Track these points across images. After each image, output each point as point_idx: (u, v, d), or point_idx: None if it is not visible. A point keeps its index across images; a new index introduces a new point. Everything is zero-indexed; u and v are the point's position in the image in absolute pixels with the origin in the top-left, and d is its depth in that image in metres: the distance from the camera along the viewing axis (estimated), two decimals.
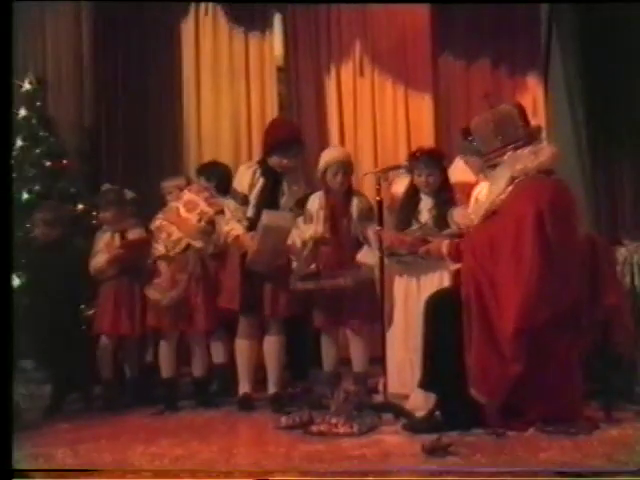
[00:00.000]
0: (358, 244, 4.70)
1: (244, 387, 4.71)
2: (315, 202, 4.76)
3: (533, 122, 6.67)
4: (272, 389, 4.71)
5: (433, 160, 4.67)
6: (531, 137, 4.00)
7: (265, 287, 4.63)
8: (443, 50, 6.94)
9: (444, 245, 4.01)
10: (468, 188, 4.75)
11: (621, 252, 4.56)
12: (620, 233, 5.27)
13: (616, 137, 6.58)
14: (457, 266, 4.02)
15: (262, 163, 4.76)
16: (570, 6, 6.72)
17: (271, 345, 4.72)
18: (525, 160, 3.89)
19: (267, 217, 4.52)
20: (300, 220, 4.73)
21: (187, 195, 4.89)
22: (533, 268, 3.70)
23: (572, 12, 6.74)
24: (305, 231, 4.71)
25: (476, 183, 4.73)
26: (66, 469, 3.38)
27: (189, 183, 5.15)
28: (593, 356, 4.11)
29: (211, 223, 4.83)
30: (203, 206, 4.82)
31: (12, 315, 3.27)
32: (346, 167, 4.76)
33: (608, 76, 6.53)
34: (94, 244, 5.03)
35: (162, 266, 4.81)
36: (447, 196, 4.64)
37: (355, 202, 4.72)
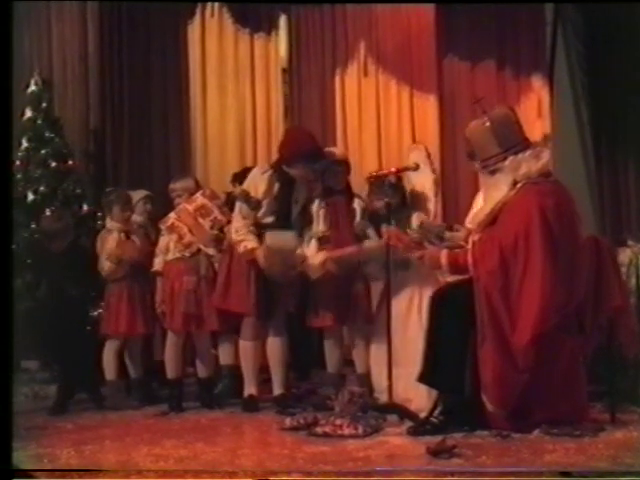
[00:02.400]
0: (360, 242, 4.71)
1: (250, 389, 4.72)
2: (314, 204, 4.76)
3: (538, 123, 6.80)
4: (277, 390, 4.71)
5: (389, 186, 4.57)
6: (528, 140, 3.99)
7: (278, 287, 4.63)
8: (448, 51, 6.93)
9: (443, 255, 3.93)
10: (428, 192, 4.75)
11: (626, 253, 4.55)
12: (625, 234, 5.26)
13: (621, 138, 6.56)
14: (454, 277, 3.97)
15: (277, 169, 4.68)
16: (575, 7, 6.71)
17: (274, 346, 4.72)
18: (528, 164, 3.87)
19: (270, 238, 4.50)
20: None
21: (200, 199, 4.84)
22: (545, 275, 3.69)
23: (577, 13, 6.73)
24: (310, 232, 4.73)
25: (436, 180, 4.72)
26: (70, 469, 3.38)
27: (198, 185, 5.11)
28: (598, 358, 4.11)
29: (222, 231, 4.82)
30: (217, 213, 4.81)
31: (13, 315, 3.27)
32: (344, 166, 4.81)
33: (613, 77, 6.52)
34: (101, 246, 5.01)
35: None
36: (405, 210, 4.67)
37: (357, 202, 4.76)
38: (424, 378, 3.97)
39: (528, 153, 3.91)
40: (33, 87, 5.91)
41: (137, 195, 5.29)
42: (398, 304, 4.47)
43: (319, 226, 4.71)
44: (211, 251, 4.82)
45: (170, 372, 4.83)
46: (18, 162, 5.71)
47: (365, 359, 4.70)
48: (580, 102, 6.73)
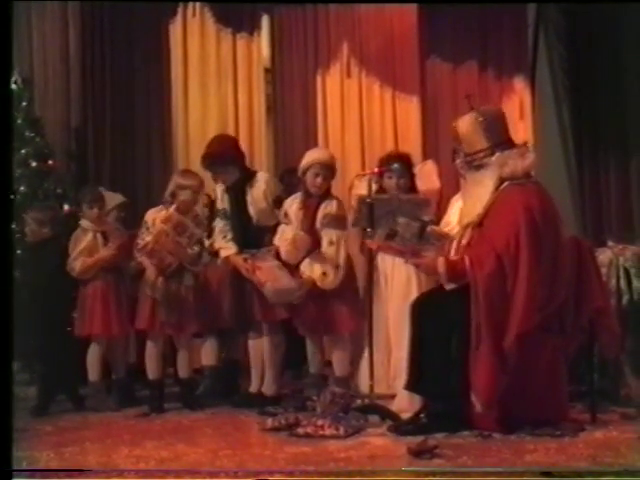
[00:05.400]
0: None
1: (255, 385, 4.79)
2: (294, 204, 4.73)
3: (520, 125, 6.83)
4: (268, 389, 4.74)
5: (404, 164, 4.73)
6: (513, 141, 4.02)
7: (254, 297, 4.66)
8: (430, 52, 6.95)
9: (440, 263, 3.86)
10: (433, 194, 4.79)
11: (607, 254, 4.57)
12: (606, 235, 5.30)
13: (602, 140, 6.61)
14: (451, 285, 3.87)
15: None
16: (557, 9, 6.76)
17: (267, 345, 4.75)
18: (514, 161, 3.90)
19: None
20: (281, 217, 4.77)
21: (175, 217, 4.70)
22: (530, 275, 3.70)
23: (559, 15, 6.77)
24: (286, 232, 4.67)
25: (440, 189, 4.76)
26: (50, 469, 3.37)
27: (202, 186, 4.93)
28: (579, 358, 4.13)
29: (200, 243, 4.81)
30: (192, 228, 4.74)
31: (12, 316, 3.24)
32: (327, 170, 4.69)
33: (594, 79, 6.56)
34: (74, 245, 4.93)
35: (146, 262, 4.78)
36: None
37: (322, 206, 4.65)
38: (410, 386, 3.98)
39: (514, 151, 3.94)
40: (13, 86, 5.85)
41: (112, 200, 5.26)
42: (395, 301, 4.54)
43: (295, 227, 4.66)
44: (195, 267, 4.80)
45: (151, 373, 4.80)
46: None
47: (342, 362, 4.67)
48: (562, 104, 6.78)
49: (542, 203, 3.84)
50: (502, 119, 4.06)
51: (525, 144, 4.17)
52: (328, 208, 4.64)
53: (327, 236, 4.59)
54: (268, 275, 4.56)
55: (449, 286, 3.85)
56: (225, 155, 4.78)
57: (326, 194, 4.72)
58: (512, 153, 3.92)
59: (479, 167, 3.96)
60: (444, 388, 3.79)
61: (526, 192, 3.86)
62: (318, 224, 4.62)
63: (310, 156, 4.77)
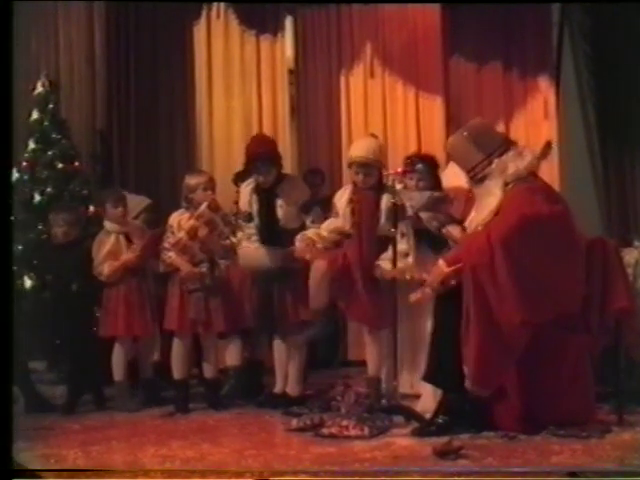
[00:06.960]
0: (383, 244, 4.47)
1: (280, 385, 4.81)
2: (344, 196, 4.62)
3: (545, 124, 6.79)
4: (291, 389, 4.75)
5: (428, 165, 4.70)
6: (509, 141, 4.03)
7: (279, 298, 4.69)
8: (454, 52, 6.93)
9: (441, 264, 3.86)
10: (461, 193, 4.75)
11: (633, 254, 4.54)
12: (632, 235, 5.25)
13: (628, 139, 6.55)
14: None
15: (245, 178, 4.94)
16: (581, 8, 6.70)
17: (289, 346, 4.76)
18: (515, 163, 3.92)
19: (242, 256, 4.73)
20: (309, 221, 4.75)
21: (207, 214, 4.75)
22: (519, 264, 3.69)
23: (584, 14, 6.72)
24: (330, 224, 4.61)
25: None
26: (77, 469, 3.40)
27: (212, 181, 4.98)
28: (604, 359, 4.10)
29: (229, 239, 4.87)
30: (222, 226, 4.80)
31: (13, 315, 3.28)
32: (367, 168, 4.51)
33: (620, 78, 6.51)
34: (98, 248, 4.94)
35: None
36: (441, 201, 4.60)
37: (383, 200, 4.49)
38: (428, 377, 3.99)
39: (511, 153, 3.95)
40: (40, 88, 5.91)
41: (139, 204, 5.30)
42: None
43: (345, 223, 4.54)
44: (225, 262, 4.84)
45: (177, 373, 4.82)
46: (25, 163, 5.73)
47: (376, 362, 4.57)
48: (587, 103, 6.72)
49: (548, 200, 3.85)
50: (489, 128, 4.12)
51: (549, 143, 4.17)
52: (392, 200, 4.46)
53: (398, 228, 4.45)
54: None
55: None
56: (272, 155, 4.80)
57: (380, 186, 4.54)
58: (509, 156, 3.94)
59: (483, 179, 3.97)
60: (461, 381, 3.78)
61: (531, 189, 3.88)
62: (383, 218, 4.48)
63: (350, 152, 4.68)
